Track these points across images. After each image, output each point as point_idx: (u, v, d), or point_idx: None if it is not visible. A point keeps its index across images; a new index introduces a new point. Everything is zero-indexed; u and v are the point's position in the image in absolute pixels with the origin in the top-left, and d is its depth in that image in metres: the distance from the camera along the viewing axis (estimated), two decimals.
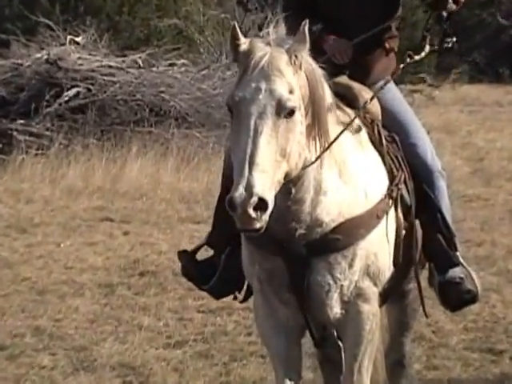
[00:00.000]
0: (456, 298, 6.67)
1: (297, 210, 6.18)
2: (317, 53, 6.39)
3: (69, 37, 27.07)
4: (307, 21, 5.73)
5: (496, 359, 9.62)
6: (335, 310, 6.32)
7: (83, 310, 12.06)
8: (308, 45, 5.74)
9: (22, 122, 24.55)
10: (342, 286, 6.27)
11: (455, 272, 6.63)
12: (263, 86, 5.48)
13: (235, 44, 5.59)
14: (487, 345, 9.82)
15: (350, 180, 6.22)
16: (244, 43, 5.59)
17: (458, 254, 6.84)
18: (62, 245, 15.67)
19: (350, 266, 6.22)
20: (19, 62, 26.33)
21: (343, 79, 6.81)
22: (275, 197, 5.92)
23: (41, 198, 19.39)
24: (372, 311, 6.43)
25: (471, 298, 6.76)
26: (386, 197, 6.41)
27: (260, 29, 29.99)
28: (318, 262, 6.21)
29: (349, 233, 6.14)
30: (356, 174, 6.29)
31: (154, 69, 26.71)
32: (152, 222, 17.34)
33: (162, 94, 25.41)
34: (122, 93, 25.26)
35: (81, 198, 19.44)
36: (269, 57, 5.53)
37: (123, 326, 11.31)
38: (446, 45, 7.05)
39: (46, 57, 25.83)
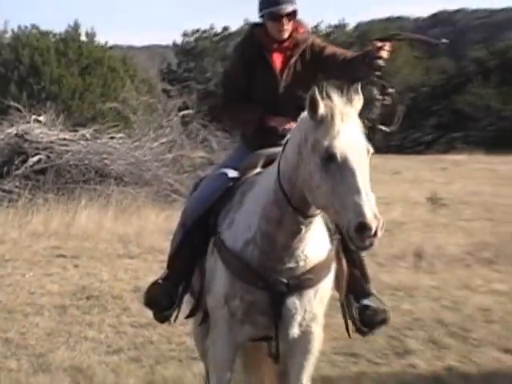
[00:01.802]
0: (370, 320, 6.49)
1: (296, 247, 5.87)
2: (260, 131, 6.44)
3: (33, 116, 27.81)
4: (358, 85, 5.51)
5: (356, 361, 9.64)
6: (295, 330, 6.11)
7: (42, 325, 11.94)
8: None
9: None
10: (305, 311, 6.07)
11: (370, 300, 6.51)
12: (358, 137, 5.32)
13: (315, 106, 5.34)
14: (349, 350, 9.78)
15: (317, 230, 6.01)
16: (323, 106, 5.35)
17: (370, 286, 6.70)
18: (26, 275, 15.54)
19: (314, 297, 6.04)
20: None
21: None
22: (287, 235, 5.85)
23: (10, 239, 19.31)
24: (320, 332, 6.28)
25: (383, 319, 6.61)
26: (332, 244, 6.20)
27: (180, 110, 30.06)
28: (294, 294, 5.96)
29: (318, 273, 5.95)
30: (319, 225, 6.08)
31: (99, 141, 26.97)
32: (96, 257, 17.23)
33: (105, 160, 25.58)
34: (73, 159, 25.44)
35: (41, 239, 19.34)
36: (349, 113, 5.38)
37: (73, 338, 11.18)
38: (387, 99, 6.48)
39: (15, 132, 26.24)
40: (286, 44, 6.33)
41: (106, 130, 28.05)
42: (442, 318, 10.62)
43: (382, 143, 43.38)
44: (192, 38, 74.69)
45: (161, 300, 6.45)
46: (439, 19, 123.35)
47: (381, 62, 5.96)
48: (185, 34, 74.35)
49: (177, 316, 6.82)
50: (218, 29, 74.52)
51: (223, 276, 6.07)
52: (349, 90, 5.39)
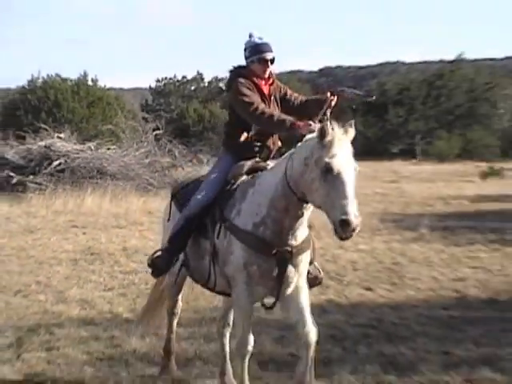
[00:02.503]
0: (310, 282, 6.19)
1: (296, 228, 5.70)
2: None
3: (56, 134, 27.80)
4: (352, 121, 5.45)
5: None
6: (291, 288, 5.88)
7: (61, 272, 11.88)
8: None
9: (31, 177, 24.81)
10: (299, 273, 5.89)
11: (311, 267, 6.23)
12: (349, 158, 5.30)
13: (324, 133, 5.26)
14: None
15: (305, 220, 5.83)
16: (330, 134, 5.28)
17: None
18: (51, 239, 15.43)
19: (303, 261, 5.89)
20: (30, 146, 26.59)
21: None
22: (292, 219, 5.68)
23: (40, 215, 19.25)
24: (305, 284, 6.02)
25: (318, 282, 6.44)
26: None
27: (153, 130, 29.97)
28: (292, 261, 5.76)
29: (305, 246, 5.83)
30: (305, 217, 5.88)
31: (99, 151, 27.07)
32: (97, 227, 17.15)
33: (103, 164, 25.64)
34: (83, 163, 25.64)
35: (61, 215, 19.21)
36: (345, 140, 5.34)
37: (82, 280, 11.15)
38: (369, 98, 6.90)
39: (44, 144, 26.34)
40: (269, 81, 6.25)
41: (104, 144, 28.13)
42: (324, 267, 10.71)
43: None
44: (162, 83, 75.19)
45: (162, 266, 6.31)
46: (324, 72, 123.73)
47: (328, 110, 6.01)
48: (157, 80, 75.17)
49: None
50: (179, 77, 74.87)
51: (240, 250, 5.74)
52: (345, 124, 5.36)
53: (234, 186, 6.05)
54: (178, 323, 7.26)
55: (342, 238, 5.22)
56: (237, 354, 5.96)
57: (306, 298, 5.99)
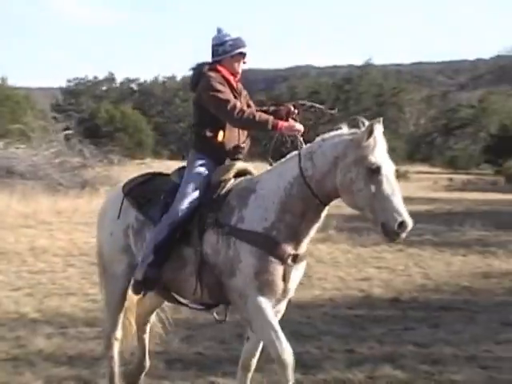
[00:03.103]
0: None
1: (308, 236, 5.40)
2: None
3: None
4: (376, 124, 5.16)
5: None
6: (287, 299, 5.69)
7: None
8: None
9: None
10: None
11: None
12: (389, 159, 5.13)
13: (371, 132, 5.03)
14: None
15: None
16: (375, 134, 5.08)
17: None
18: None
19: (302, 269, 5.61)
20: None
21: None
22: (308, 224, 5.38)
23: None
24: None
25: None
26: None
27: (63, 130, 29.59)
28: (296, 269, 5.42)
29: (305, 255, 5.51)
30: None
31: (8, 150, 26.69)
32: (5, 227, 16.71)
33: (13, 163, 25.28)
34: None
35: None
36: (383, 140, 5.17)
37: None
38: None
39: None
40: (238, 77, 5.93)
41: (13, 143, 27.58)
42: None
43: None
44: (73, 83, 74.27)
45: (155, 276, 5.60)
46: None
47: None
48: (68, 81, 74.25)
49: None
50: (90, 77, 74.06)
51: (251, 256, 5.27)
52: (374, 121, 5.14)
53: (224, 191, 5.61)
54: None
55: (392, 240, 5.13)
56: (285, 365, 5.32)
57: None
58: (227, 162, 5.80)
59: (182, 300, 5.84)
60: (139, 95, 68.99)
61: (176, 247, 5.61)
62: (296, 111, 5.85)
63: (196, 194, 5.61)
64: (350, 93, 68.66)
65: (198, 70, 5.91)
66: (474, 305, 9.92)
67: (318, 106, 6.15)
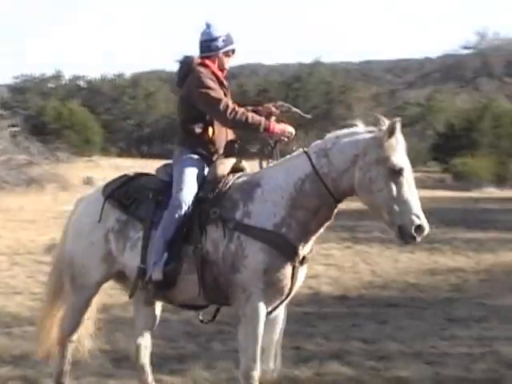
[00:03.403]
0: None
1: (316, 234, 5.36)
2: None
3: None
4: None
5: None
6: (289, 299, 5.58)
7: None
8: None
9: None
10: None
11: None
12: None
13: (393, 132, 5.03)
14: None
15: None
16: (397, 133, 5.10)
17: None
18: None
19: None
20: None
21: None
22: (319, 221, 5.29)
23: None
24: None
25: None
26: None
27: (10, 127, 29.18)
28: (300, 269, 5.34)
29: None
30: None
31: None
32: None
33: None
34: None
35: None
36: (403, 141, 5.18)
37: None
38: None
39: None
40: (225, 73, 5.83)
41: None
42: None
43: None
44: (19, 80, 73.60)
45: (172, 278, 5.35)
46: None
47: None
48: (15, 77, 73.60)
49: None
50: (37, 74, 73.39)
51: (260, 252, 5.15)
52: (394, 121, 5.13)
53: (224, 186, 5.47)
54: None
55: (407, 243, 5.13)
56: (250, 381, 5.29)
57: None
58: (220, 158, 5.69)
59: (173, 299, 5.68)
60: (87, 92, 68.35)
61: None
62: (277, 111, 5.80)
63: (194, 188, 5.47)
64: (299, 91, 68.66)
65: (186, 64, 5.79)
66: (420, 301, 10.06)
67: (294, 109, 6.01)
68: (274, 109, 5.79)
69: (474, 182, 39.47)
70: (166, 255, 5.37)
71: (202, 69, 5.63)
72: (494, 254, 14.02)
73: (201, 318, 5.88)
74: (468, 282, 11.59)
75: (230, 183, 5.49)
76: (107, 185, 5.92)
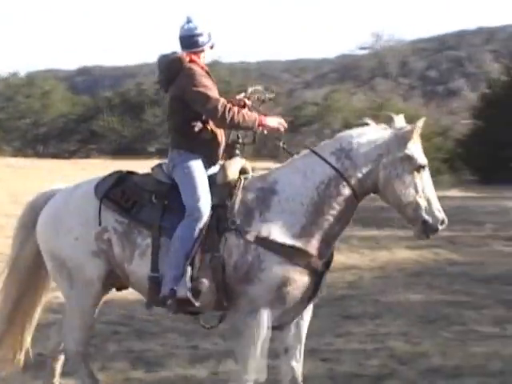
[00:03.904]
0: None
1: (337, 238, 5.37)
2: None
3: None
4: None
5: None
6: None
7: None
8: None
9: None
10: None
11: None
12: None
13: (417, 129, 5.27)
14: None
15: None
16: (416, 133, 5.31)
17: None
18: None
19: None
20: None
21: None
22: (342, 225, 5.31)
23: None
24: None
25: None
26: None
27: None
28: (323, 276, 5.29)
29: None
30: None
31: None
32: None
33: None
34: None
35: None
36: None
37: None
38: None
39: None
40: (206, 68, 5.56)
41: None
42: None
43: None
44: None
45: (198, 294, 5.16)
46: (82, 71, 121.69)
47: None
48: None
49: None
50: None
51: (278, 266, 5.03)
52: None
53: (238, 191, 5.31)
54: None
55: (427, 238, 5.29)
56: None
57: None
58: (226, 160, 5.53)
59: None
60: None
61: None
62: (250, 103, 5.68)
63: (209, 195, 5.26)
64: None
65: (176, 61, 5.50)
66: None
67: (268, 95, 5.86)
68: (247, 101, 5.68)
69: None
70: (189, 269, 5.13)
71: (194, 66, 5.45)
72: (388, 252, 14.23)
73: (203, 323, 5.67)
74: (363, 279, 11.74)
75: (241, 188, 5.35)
76: (100, 183, 5.54)
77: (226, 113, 5.25)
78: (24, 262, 5.81)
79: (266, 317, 5.12)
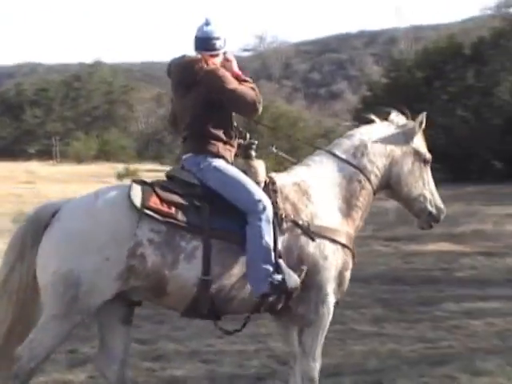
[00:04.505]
0: None
1: None
2: None
3: None
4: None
5: None
6: None
7: None
8: None
9: None
10: None
11: None
12: None
13: (422, 124, 5.64)
14: None
15: None
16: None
17: None
18: None
19: None
20: None
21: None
22: (364, 217, 5.61)
23: None
24: None
25: None
26: None
27: None
28: None
29: None
30: None
31: None
32: None
33: None
34: None
35: None
36: None
37: None
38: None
39: None
40: None
41: None
42: None
43: None
44: None
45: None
46: None
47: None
48: None
49: None
50: None
51: (338, 252, 5.20)
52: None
53: (276, 190, 5.24)
54: None
55: (430, 228, 5.76)
56: (313, 382, 5.28)
57: None
58: (251, 161, 5.37)
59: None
60: None
61: (230, 251, 5.04)
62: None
63: (256, 186, 5.15)
64: (79, 90, 67.98)
65: (195, 61, 5.30)
66: None
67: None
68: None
69: None
70: (282, 262, 5.04)
71: (219, 67, 5.32)
72: None
73: (226, 328, 5.44)
74: None
75: (277, 184, 5.32)
76: (130, 193, 4.98)
77: (258, 103, 5.24)
78: (18, 284, 5.08)
79: (332, 303, 5.26)
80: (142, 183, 5.12)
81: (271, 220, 5.04)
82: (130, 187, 5.02)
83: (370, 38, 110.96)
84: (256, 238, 4.99)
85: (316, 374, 5.30)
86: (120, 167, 37.78)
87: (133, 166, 38.42)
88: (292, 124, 56.31)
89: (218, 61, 5.39)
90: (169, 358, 7.38)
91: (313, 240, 5.13)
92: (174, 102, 5.54)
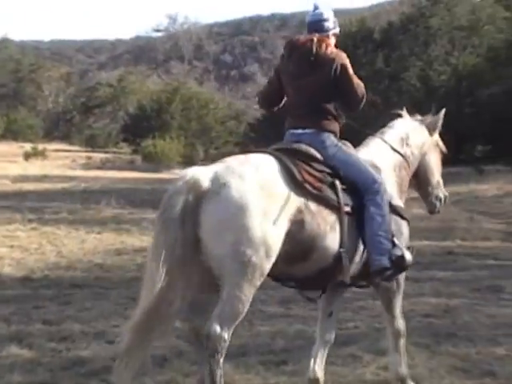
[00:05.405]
0: None
1: None
2: None
3: None
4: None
5: None
6: None
7: None
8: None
9: None
10: None
11: None
12: None
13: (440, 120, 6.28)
14: None
15: None
16: None
17: None
18: None
19: None
20: None
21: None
22: None
23: None
24: None
25: None
26: None
27: None
28: None
29: None
30: None
31: None
32: None
33: None
34: None
35: None
36: None
37: None
38: None
39: None
40: None
41: None
42: None
43: None
44: None
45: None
46: None
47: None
48: None
49: None
50: None
51: (407, 228, 5.71)
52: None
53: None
54: None
55: (438, 212, 6.37)
56: (401, 334, 5.81)
57: None
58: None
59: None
60: None
61: (352, 227, 5.26)
62: None
63: (373, 171, 5.49)
64: None
65: (323, 41, 5.49)
66: (105, 281, 10.11)
67: None
68: None
69: (163, 164, 40.38)
70: (396, 240, 5.45)
71: (333, 47, 5.57)
72: None
73: (309, 295, 5.71)
74: None
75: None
76: (286, 165, 5.11)
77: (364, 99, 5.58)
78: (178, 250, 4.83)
79: (404, 274, 5.69)
80: (285, 156, 5.18)
81: (386, 199, 5.39)
82: (280, 159, 5.11)
83: (281, 21, 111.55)
84: (377, 215, 5.31)
85: (404, 329, 5.85)
86: (28, 147, 37.10)
87: (41, 146, 37.82)
88: (203, 106, 56.70)
89: (332, 42, 5.65)
90: (74, 338, 7.30)
91: (403, 219, 5.65)
92: (282, 80, 5.66)
